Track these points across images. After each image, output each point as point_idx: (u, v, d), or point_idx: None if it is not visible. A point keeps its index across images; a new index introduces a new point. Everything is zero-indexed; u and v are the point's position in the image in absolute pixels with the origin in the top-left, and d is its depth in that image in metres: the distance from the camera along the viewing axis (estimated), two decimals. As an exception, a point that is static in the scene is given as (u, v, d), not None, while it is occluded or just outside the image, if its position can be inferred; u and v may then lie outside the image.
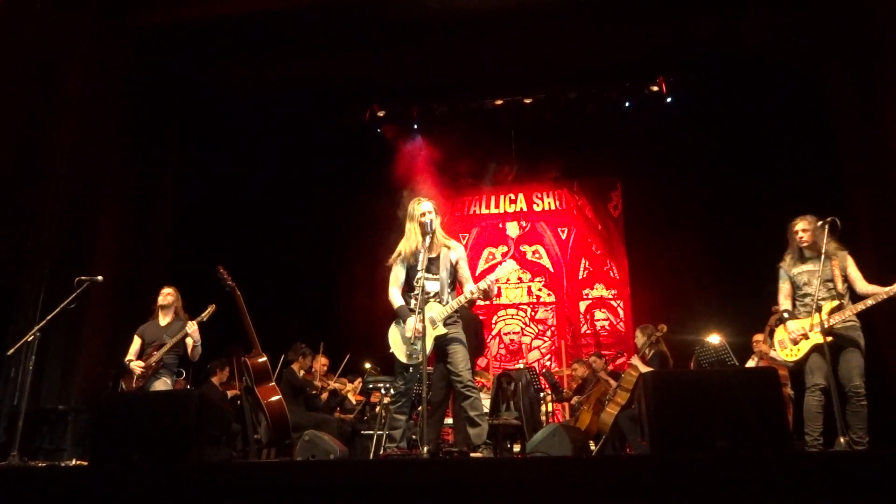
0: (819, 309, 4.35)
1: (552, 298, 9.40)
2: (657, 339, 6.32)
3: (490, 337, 9.34)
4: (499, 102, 9.14)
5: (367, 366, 7.83)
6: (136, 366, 5.24)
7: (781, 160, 7.93)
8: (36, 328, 4.83)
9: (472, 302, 4.48)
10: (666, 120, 8.67)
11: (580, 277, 9.40)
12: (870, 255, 6.58)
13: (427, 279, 4.29)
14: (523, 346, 9.28)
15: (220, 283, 5.85)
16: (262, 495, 3.19)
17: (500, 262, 4.48)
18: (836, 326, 4.39)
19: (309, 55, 8.22)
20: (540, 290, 9.47)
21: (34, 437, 6.13)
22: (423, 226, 4.36)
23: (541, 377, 7.25)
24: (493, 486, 3.05)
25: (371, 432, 6.31)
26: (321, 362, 7.38)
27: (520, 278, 9.47)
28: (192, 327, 5.25)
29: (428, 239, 4.32)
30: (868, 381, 4.39)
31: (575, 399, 7.19)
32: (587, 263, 9.42)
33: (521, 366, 7.68)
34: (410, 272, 4.43)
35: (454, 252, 4.47)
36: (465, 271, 4.47)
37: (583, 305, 9.30)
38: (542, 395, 7.06)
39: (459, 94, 9.14)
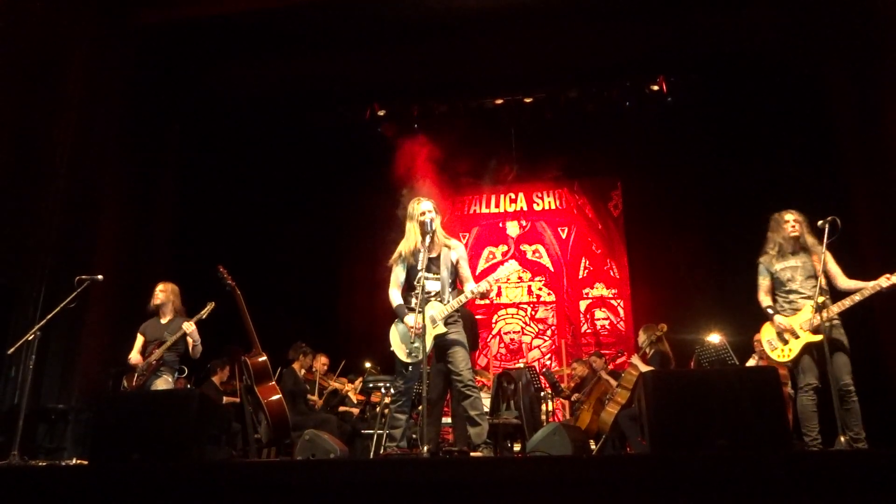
0: (820, 309, 4.27)
1: (552, 298, 9.40)
2: (658, 338, 6.32)
3: (490, 336, 9.35)
4: (499, 102, 9.14)
5: (368, 365, 7.84)
6: (137, 360, 5.25)
7: (781, 160, 7.92)
8: (36, 327, 4.83)
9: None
10: (666, 120, 8.67)
11: (580, 277, 9.40)
12: (870, 254, 6.60)
13: (427, 279, 4.30)
14: (523, 345, 9.28)
15: (220, 282, 5.86)
16: (262, 495, 3.19)
17: (500, 262, 4.49)
18: (821, 326, 4.30)
19: (309, 55, 8.22)
20: (540, 289, 9.46)
21: (34, 437, 6.13)
22: (422, 225, 4.36)
23: (541, 376, 7.25)
24: (493, 486, 3.05)
25: (371, 432, 6.31)
26: (321, 362, 7.39)
27: (520, 277, 9.47)
28: (189, 328, 5.24)
29: (428, 238, 4.32)
30: (867, 379, 4.38)
31: (575, 396, 7.19)
32: (587, 263, 9.42)
33: (522, 365, 7.68)
34: (411, 272, 4.43)
35: (454, 251, 4.47)
36: (465, 270, 4.47)
37: (583, 305, 9.30)
38: (542, 394, 7.06)
39: (459, 94, 9.14)
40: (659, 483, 2.94)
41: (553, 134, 9.19)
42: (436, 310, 4.28)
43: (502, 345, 9.38)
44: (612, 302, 9.21)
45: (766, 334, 4.68)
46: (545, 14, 7.43)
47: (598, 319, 9.18)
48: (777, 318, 4.57)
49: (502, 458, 5.19)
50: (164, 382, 5.26)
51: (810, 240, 4.56)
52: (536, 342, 9.28)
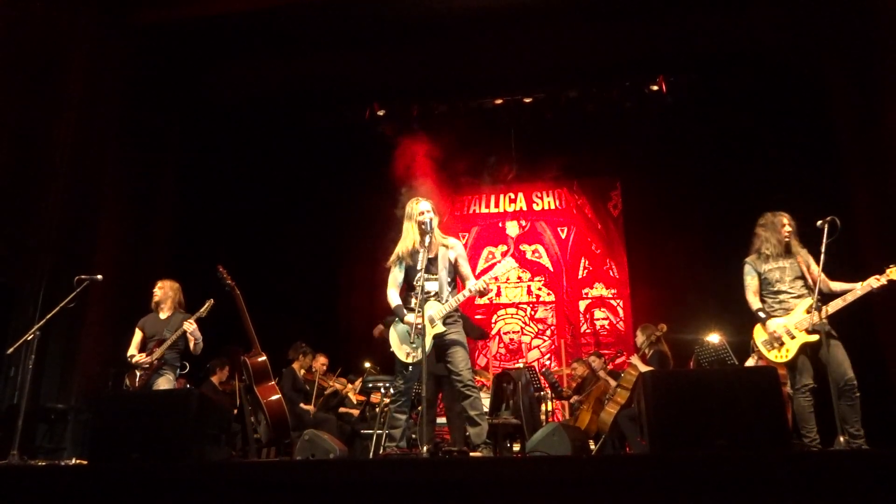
0: (820, 309, 4.26)
1: (552, 298, 9.40)
2: (657, 338, 6.32)
3: (490, 336, 9.35)
4: (499, 102, 9.14)
5: (367, 365, 7.84)
6: (141, 359, 5.25)
7: (781, 160, 7.92)
8: (36, 327, 4.83)
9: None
10: (666, 120, 8.67)
11: (580, 277, 9.40)
12: (870, 255, 6.60)
13: (426, 279, 4.29)
14: (523, 345, 9.28)
15: (219, 282, 5.86)
16: (262, 495, 3.19)
17: (499, 262, 4.49)
18: (816, 326, 4.30)
19: (309, 55, 8.22)
20: (539, 289, 9.47)
21: (34, 436, 6.13)
22: (421, 225, 4.36)
23: (540, 376, 7.25)
24: (492, 486, 3.05)
25: (371, 432, 6.30)
26: (320, 361, 7.39)
27: (519, 277, 9.48)
28: (189, 327, 5.24)
29: (427, 238, 4.32)
30: (866, 379, 4.38)
31: (574, 398, 7.19)
32: (587, 263, 9.42)
33: (521, 365, 7.68)
34: (410, 272, 4.43)
35: (452, 251, 4.47)
36: (464, 269, 4.47)
37: (582, 305, 9.30)
38: (541, 394, 7.06)
39: (459, 94, 9.14)
40: (658, 483, 2.94)
41: (553, 134, 9.19)
42: (434, 309, 4.28)
43: (502, 345, 9.38)
44: (612, 302, 9.21)
45: (759, 336, 4.66)
46: (545, 14, 7.43)
47: (598, 319, 9.18)
48: (771, 322, 4.53)
49: (502, 458, 5.19)
50: (166, 382, 5.25)
51: (795, 243, 4.58)
52: (536, 342, 9.28)
